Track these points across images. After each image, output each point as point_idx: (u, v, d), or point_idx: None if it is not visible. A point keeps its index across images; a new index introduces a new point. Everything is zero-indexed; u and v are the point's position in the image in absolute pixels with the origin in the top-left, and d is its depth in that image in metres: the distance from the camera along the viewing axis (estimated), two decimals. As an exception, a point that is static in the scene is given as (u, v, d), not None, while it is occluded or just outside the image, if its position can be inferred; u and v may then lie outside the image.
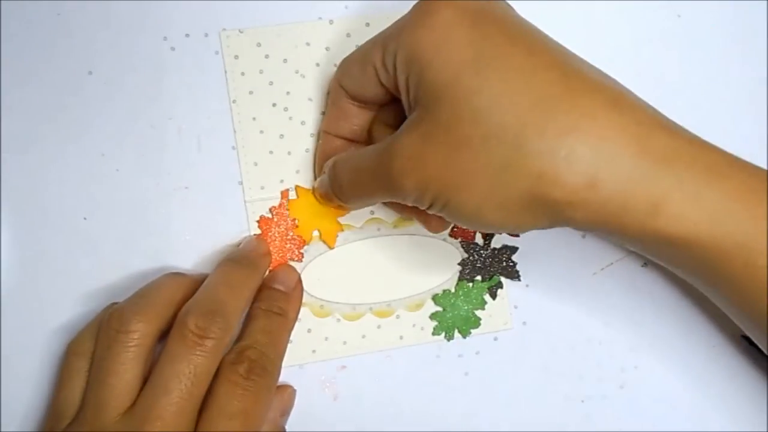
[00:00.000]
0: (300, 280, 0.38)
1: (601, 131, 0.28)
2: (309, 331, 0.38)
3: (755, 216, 0.28)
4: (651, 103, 0.39)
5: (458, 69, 0.28)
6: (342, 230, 0.38)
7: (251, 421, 0.32)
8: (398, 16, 0.37)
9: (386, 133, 0.35)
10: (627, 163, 0.27)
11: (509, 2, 0.31)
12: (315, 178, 0.38)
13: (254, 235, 0.38)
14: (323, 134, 0.37)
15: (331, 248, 0.38)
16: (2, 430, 0.36)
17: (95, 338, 0.33)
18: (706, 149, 0.29)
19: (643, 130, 0.28)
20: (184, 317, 0.32)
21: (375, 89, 0.33)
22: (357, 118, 0.35)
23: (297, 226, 0.38)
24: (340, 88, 0.35)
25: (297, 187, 0.38)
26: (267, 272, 0.38)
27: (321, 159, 0.37)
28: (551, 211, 0.28)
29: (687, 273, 0.31)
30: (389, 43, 0.31)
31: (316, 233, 0.38)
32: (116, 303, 0.34)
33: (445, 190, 0.29)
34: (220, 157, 0.38)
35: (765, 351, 0.33)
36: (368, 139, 0.36)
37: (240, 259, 0.36)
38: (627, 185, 0.28)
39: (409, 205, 0.32)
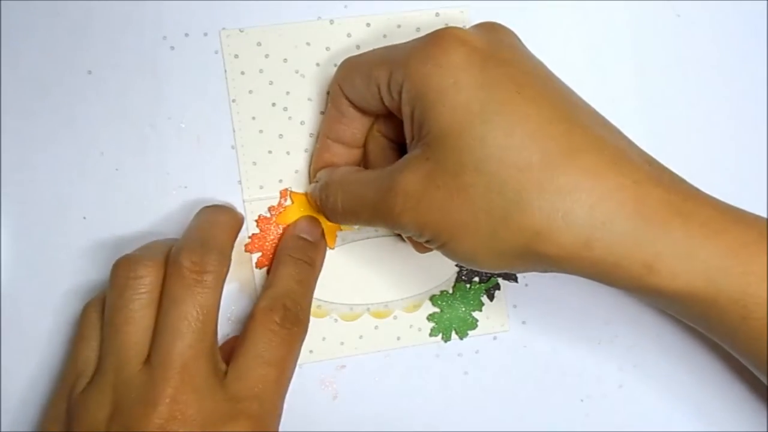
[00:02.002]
0: (323, 233, 0.38)
1: (600, 192, 0.28)
2: (306, 331, 0.38)
3: (750, 272, 0.28)
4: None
5: (465, 116, 0.29)
6: (340, 230, 0.38)
7: (288, 369, 0.32)
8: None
9: (382, 143, 0.36)
10: (622, 226, 0.28)
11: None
12: (310, 182, 0.38)
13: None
14: (323, 138, 0.36)
15: (331, 248, 0.38)
16: (2, 430, 0.37)
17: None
18: (702, 204, 0.29)
19: (640, 190, 0.28)
20: (177, 256, 0.31)
21: (377, 105, 0.33)
22: (356, 122, 0.35)
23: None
24: (341, 91, 0.34)
25: (291, 193, 0.38)
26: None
27: (317, 164, 0.37)
28: (546, 263, 0.29)
29: (686, 321, 0.32)
30: (396, 69, 0.31)
31: (315, 235, 0.38)
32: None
33: (443, 233, 0.30)
34: (219, 156, 0.38)
35: None
36: (364, 146, 0.36)
37: (216, 205, 0.36)
38: (620, 247, 0.28)
39: (405, 236, 0.32)
